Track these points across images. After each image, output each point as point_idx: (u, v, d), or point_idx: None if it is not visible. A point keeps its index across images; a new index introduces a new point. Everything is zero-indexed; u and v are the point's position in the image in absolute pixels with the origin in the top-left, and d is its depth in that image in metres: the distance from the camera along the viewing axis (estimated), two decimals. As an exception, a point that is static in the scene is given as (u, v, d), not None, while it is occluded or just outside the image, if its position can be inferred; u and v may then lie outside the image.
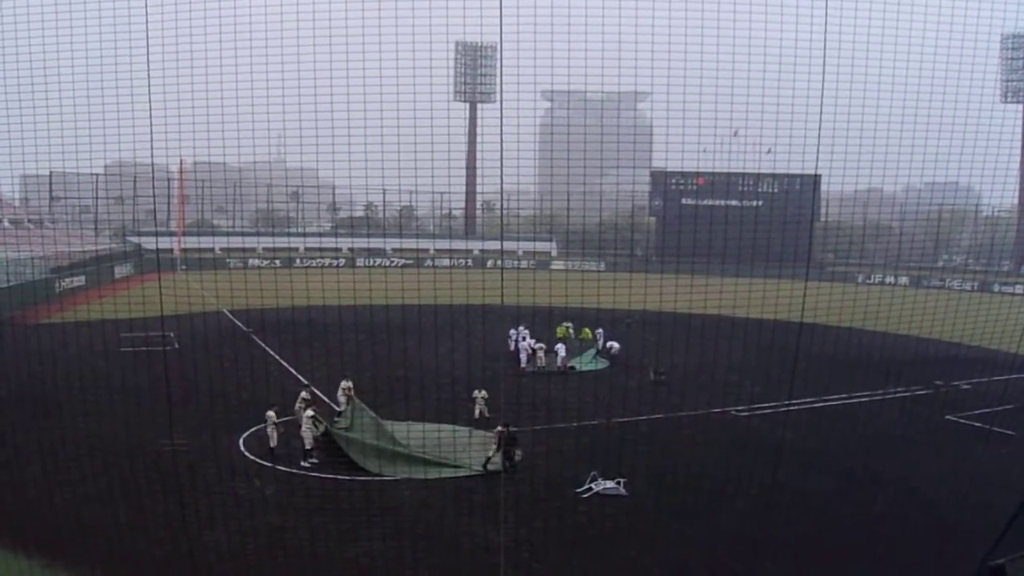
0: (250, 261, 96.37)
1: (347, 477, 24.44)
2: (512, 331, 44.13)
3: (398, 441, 26.86)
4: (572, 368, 40.70)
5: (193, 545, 18.70)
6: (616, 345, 42.88)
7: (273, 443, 26.62)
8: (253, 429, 27.80)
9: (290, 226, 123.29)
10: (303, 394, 28.68)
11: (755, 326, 41.50)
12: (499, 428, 25.48)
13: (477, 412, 30.22)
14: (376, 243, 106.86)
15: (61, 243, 68.10)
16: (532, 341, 42.01)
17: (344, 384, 30.84)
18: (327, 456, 26.02)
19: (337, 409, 30.24)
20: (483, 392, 30.64)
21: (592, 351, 43.65)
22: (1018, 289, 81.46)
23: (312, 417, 26.48)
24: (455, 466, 25.48)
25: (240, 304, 49.61)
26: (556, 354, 40.90)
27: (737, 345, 38.00)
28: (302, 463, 25.71)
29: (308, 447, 26.07)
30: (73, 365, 33.90)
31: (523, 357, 40.95)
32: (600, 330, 45.02)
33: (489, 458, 25.38)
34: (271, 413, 26.97)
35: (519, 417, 28.86)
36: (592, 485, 23.58)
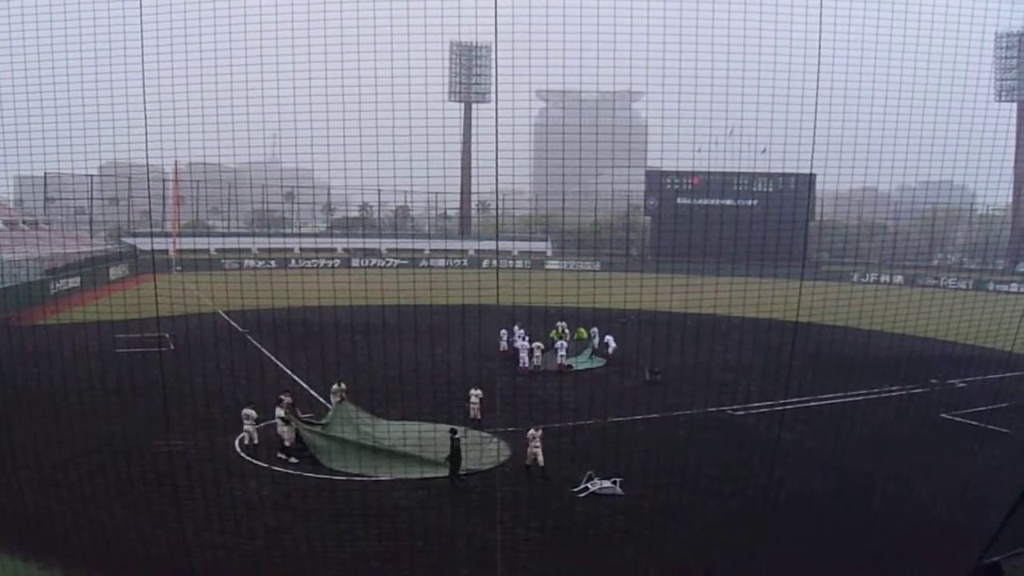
0: (245, 262, 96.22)
1: (343, 477, 24.41)
2: (503, 331, 44.13)
3: (377, 440, 26.88)
4: (569, 367, 40.71)
5: (189, 545, 18.71)
6: (612, 343, 42.85)
7: (249, 441, 27.06)
8: (248, 430, 27.80)
9: (285, 227, 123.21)
10: (282, 396, 28.94)
11: (750, 325, 41.52)
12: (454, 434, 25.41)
13: (472, 412, 30.17)
14: (371, 243, 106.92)
15: (56, 244, 67.94)
16: (527, 340, 42.03)
17: (335, 387, 31.00)
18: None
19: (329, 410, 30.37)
20: (478, 391, 30.60)
21: (588, 350, 43.67)
22: (1012, 287, 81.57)
23: (281, 417, 26.91)
24: (436, 463, 25.41)
25: (235, 305, 49.56)
26: (556, 351, 40.91)
27: (732, 344, 38.07)
28: (278, 455, 26.15)
29: (286, 444, 26.54)
30: (68, 367, 33.85)
31: (523, 357, 40.92)
32: (595, 328, 45.03)
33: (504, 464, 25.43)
34: (250, 411, 27.31)
35: (515, 417, 28.90)
36: (588, 485, 23.59)
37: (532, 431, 25.42)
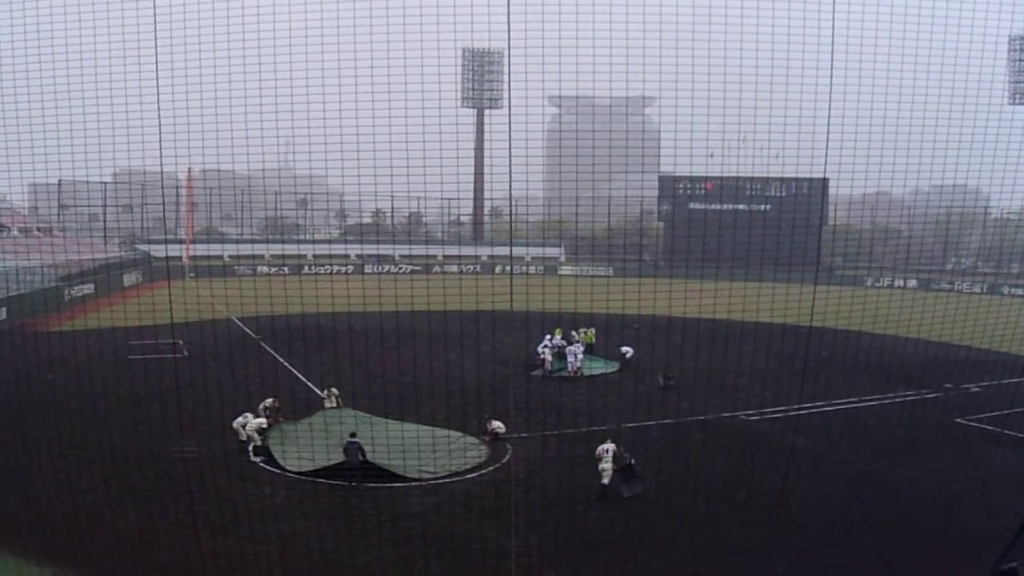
0: (258, 268, 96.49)
1: (356, 484, 24.40)
2: (547, 336, 43.32)
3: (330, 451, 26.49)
4: (580, 372, 40.54)
5: (203, 551, 18.75)
6: (630, 350, 42.57)
7: (243, 437, 27.76)
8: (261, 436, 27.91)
9: (298, 233, 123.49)
10: (268, 401, 29.37)
11: (764, 330, 41.38)
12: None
13: (491, 428, 28.86)
14: (384, 249, 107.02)
15: (70, 251, 68.27)
16: (549, 343, 41.87)
17: (326, 392, 31.33)
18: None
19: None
20: (499, 423, 28.92)
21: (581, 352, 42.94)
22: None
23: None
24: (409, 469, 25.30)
25: (249, 311, 49.69)
26: (575, 355, 40.70)
27: (746, 349, 37.92)
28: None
29: (254, 445, 27.33)
30: (83, 373, 33.98)
31: (571, 361, 40.53)
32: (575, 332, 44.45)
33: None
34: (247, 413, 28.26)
35: (528, 423, 28.85)
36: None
37: (603, 447, 24.07)
